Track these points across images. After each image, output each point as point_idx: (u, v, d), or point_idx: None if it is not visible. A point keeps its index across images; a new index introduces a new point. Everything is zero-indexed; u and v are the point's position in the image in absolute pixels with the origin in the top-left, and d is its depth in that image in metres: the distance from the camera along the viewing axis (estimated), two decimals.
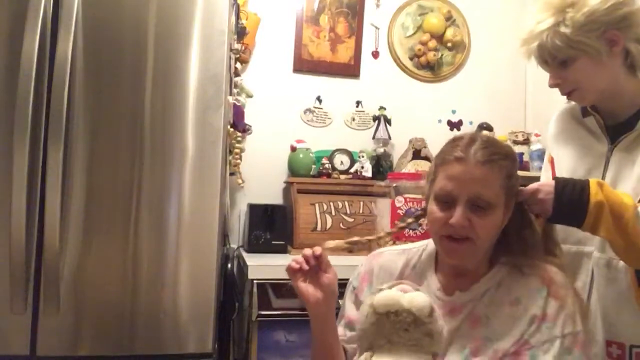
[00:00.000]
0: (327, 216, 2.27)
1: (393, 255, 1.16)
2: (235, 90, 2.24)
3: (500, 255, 1.06)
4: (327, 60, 2.56)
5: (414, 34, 2.67)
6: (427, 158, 2.52)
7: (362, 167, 2.40)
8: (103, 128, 1.41)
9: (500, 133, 2.64)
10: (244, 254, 2.11)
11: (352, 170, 2.42)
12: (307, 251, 1.03)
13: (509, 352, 0.95)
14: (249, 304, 1.84)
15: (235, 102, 2.09)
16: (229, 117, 1.87)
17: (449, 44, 2.69)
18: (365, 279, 1.14)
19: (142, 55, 1.43)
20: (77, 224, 1.37)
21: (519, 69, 2.74)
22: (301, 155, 2.39)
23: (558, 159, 1.29)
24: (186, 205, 1.43)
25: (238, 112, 2.13)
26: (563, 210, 1.04)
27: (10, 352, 1.32)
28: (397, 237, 1.88)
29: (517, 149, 2.53)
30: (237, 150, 2.24)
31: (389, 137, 2.54)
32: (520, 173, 1.07)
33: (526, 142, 2.62)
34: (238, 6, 2.05)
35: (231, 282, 1.89)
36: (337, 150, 2.45)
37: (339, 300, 1.13)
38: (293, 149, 2.40)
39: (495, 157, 0.99)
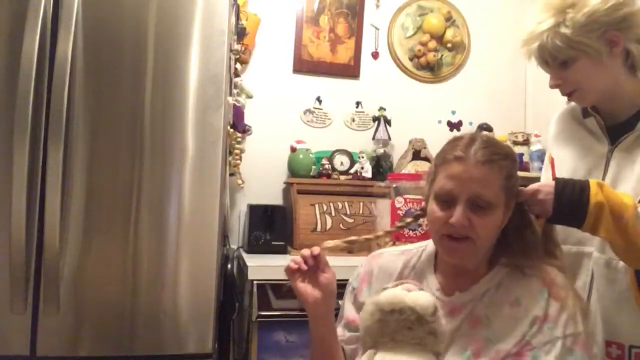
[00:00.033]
0: (327, 217, 2.27)
1: (392, 256, 1.16)
2: (235, 91, 2.24)
3: (500, 256, 1.06)
4: (327, 61, 2.56)
5: (414, 34, 2.67)
6: (427, 159, 2.52)
7: (362, 168, 2.41)
8: (103, 128, 1.41)
9: (500, 133, 2.64)
10: (244, 255, 2.11)
11: (352, 170, 2.42)
12: (305, 251, 1.03)
13: (510, 353, 0.95)
14: (249, 304, 1.85)
15: (235, 102, 2.09)
16: (229, 117, 1.87)
17: (449, 45, 2.69)
18: (364, 280, 1.14)
19: (142, 55, 1.43)
20: (77, 224, 1.37)
21: (519, 69, 2.75)
22: (301, 156, 2.39)
23: (558, 160, 1.29)
24: (186, 205, 1.43)
25: (238, 113, 2.13)
26: (563, 210, 1.04)
27: (10, 352, 1.32)
28: (397, 237, 1.88)
29: (517, 149, 2.54)
30: (237, 151, 2.24)
31: (389, 138, 2.54)
32: (520, 174, 1.07)
33: (526, 142, 2.62)
34: (238, 6, 2.06)
35: (231, 283, 1.89)
36: (337, 150, 2.45)
37: (339, 301, 1.13)
38: (293, 149, 2.41)
39: (495, 157, 0.99)
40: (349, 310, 1.14)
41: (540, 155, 2.43)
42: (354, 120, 2.60)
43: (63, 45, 1.34)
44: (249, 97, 2.39)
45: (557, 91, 1.22)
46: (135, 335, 1.39)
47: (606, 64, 1.12)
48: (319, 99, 2.56)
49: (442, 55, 2.69)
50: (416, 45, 2.66)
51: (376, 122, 2.55)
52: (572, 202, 1.03)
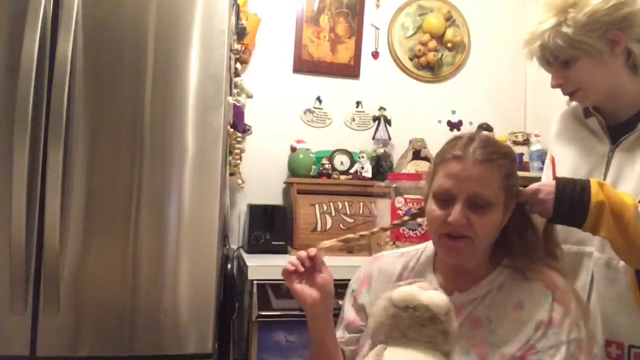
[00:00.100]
0: (327, 217, 2.27)
1: (392, 258, 1.16)
2: (235, 91, 2.24)
3: (501, 257, 1.06)
4: (327, 61, 2.56)
5: (414, 34, 2.67)
6: (427, 158, 2.52)
7: (362, 168, 2.41)
8: (103, 128, 1.40)
9: (500, 133, 2.64)
10: (244, 255, 2.11)
11: (352, 170, 2.42)
12: (302, 253, 1.03)
13: (515, 357, 0.95)
14: (249, 304, 1.84)
15: (235, 102, 2.09)
16: (229, 117, 1.87)
17: (449, 45, 2.69)
18: (364, 282, 1.15)
19: (142, 55, 1.43)
20: (77, 224, 1.37)
21: (519, 69, 2.75)
22: (301, 156, 2.39)
23: (559, 159, 1.29)
24: (186, 205, 1.43)
25: (238, 113, 2.13)
26: (564, 210, 1.04)
27: (10, 353, 1.32)
28: (398, 237, 1.88)
29: (517, 149, 2.54)
30: (237, 151, 2.24)
31: (389, 138, 2.54)
32: (520, 174, 1.07)
33: (526, 142, 2.62)
34: (238, 6, 2.05)
35: (231, 283, 1.89)
36: (337, 150, 2.45)
37: (339, 301, 1.13)
38: (293, 149, 2.40)
39: (494, 156, 0.99)
40: (348, 312, 1.14)
41: (540, 155, 2.43)
42: (354, 120, 2.60)
43: (63, 45, 1.34)
44: (249, 96, 2.39)
45: (557, 91, 1.22)
46: (135, 335, 1.39)
47: (607, 63, 1.13)
48: (319, 99, 2.56)
49: (442, 55, 2.69)
50: (416, 45, 2.66)
51: (376, 122, 2.55)
52: (572, 202, 1.03)
